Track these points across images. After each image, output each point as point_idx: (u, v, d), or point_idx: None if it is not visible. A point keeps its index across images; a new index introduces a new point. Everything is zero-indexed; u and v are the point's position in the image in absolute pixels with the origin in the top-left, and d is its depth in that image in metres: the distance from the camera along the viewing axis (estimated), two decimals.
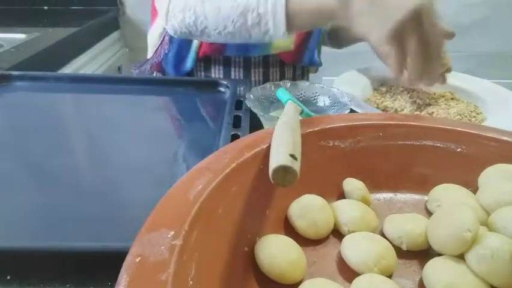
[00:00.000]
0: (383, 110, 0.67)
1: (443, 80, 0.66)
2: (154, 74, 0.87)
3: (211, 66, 0.82)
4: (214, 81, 0.72)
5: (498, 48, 1.69)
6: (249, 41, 0.65)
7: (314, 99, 0.61)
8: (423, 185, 0.40)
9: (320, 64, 0.92)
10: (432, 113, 0.65)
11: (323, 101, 0.61)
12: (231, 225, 0.31)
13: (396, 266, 0.32)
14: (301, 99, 0.61)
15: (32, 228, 0.38)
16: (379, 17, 0.51)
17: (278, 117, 0.39)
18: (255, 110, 0.54)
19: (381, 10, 0.51)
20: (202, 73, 0.83)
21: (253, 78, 0.83)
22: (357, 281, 0.29)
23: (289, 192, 0.35)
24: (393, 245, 0.33)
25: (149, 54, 0.86)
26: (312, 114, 0.51)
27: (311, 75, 0.97)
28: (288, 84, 0.61)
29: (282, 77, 0.85)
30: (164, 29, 0.79)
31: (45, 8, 1.60)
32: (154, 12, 0.82)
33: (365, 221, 0.35)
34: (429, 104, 0.68)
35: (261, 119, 0.55)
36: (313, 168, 0.37)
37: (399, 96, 0.70)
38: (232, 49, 0.77)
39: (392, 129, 0.41)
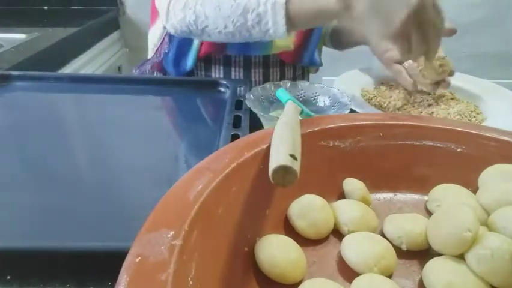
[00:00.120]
0: (375, 106, 0.68)
1: (446, 86, 0.65)
2: (155, 74, 0.87)
3: (211, 66, 0.82)
4: (214, 81, 0.72)
5: (498, 48, 1.69)
6: (249, 41, 0.65)
7: (314, 99, 0.61)
8: (423, 185, 0.40)
9: (321, 64, 0.92)
10: (432, 113, 0.65)
11: (322, 101, 0.61)
12: (231, 225, 0.31)
13: (396, 266, 0.32)
14: (301, 99, 0.61)
15: (32, 228, 0.38)
16: (381, 17, 0.51)
17: (278, 117, 0.39)
18: (255, 110, 0.54)
19: (383, 10, 0.51)
20: (202, 73, 0.83)
21: (253, 78, 0.83)
22: (357, 281, 0.29)
23: (289, 192, 0.35)
24: (393, 245, 0.33)
25: (150, 54, 0.86)
26: (312, 114, 0.51)
27: (311, 75, 0.97)
28: (288, 84, 0.61)
29: (282, 77, 0.85)
30: (165, 28, 0.79)
31: (45, 8, 1.60)
32: (154, 12, 0.82)
33: (365, 221, 0.35)
34: (430, 104, 0.68)
35: (261, 119, 0.55)
36: (313, 168, 0.37)
37: (394, 94, 0.70)
38: (233, 48, 0.77)
39: (392, 129, 0.41)
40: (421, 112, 0.66)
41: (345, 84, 0.70)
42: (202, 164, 0.32)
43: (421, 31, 0.51)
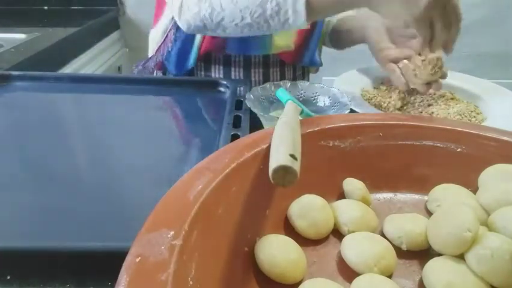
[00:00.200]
0: (375, 106, 0.68)
1: (438, 87, 0.65)
2: (155, 73, 0.87)
3: (211, 66, 0.82)
4: (214, 81, 0.72)
5: (498, 48, 1.69)
6: (266, 33, 0.64)
7: (314, 99, 0.61)
8: (423, 185, 0.40)
9: (321, 64, 0.92)
10: (432, 113, 0.65)
11: (322, 101, 0.61)
12: (231, 225, 0.31)
13: (396, 266, 0.32)
14: (301, 99, 0.61)
15: (32, 228, 0.38)
16: (405, 2, 0.51)
17: (278, 117, 0.39)
18: (255, 110, 0.54)
19: None
20: (202, 73, 0.83)
21: (253, 79, 0.83)
22: (357, 281, 0.29)
23: (289, 192, 0.35)
24: (393, 245, 0.33)
25: (151, 52, 0.86)
26: (312, 114, 0.51)
27: (311, 75, 0.97)
28: (288, 84, 0.61)
29: (282, 77, 0.85)
30: (168, 26, 0.78)
31: (45, 8, 1.60)
32: (158, 9, 0.82)
33: (365, 221, 0.35)
34: (430, 104, 0.68)
35: (261, 119, 0.55)
36: (313, 168, 0.37)
37: (394, 94, 0.70)
38: (233, 47, 0.77)
39: (392, 129, 0.41)
40: (421, 112, 0.66)
41: (345, 84, 0.70)
42: (202, 164, 0.32)
43: (444, 18, 0.50)
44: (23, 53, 1.02)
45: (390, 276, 0.31)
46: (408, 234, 0.34)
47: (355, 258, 0.31)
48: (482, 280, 0.28)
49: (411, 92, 0.71)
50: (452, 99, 0.71)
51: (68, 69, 1.19)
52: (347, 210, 0.36)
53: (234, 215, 0.31)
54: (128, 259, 0.23)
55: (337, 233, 0.36)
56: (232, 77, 0.82)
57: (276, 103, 0.59)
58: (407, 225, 0.34)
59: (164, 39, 0.81)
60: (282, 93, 0.52)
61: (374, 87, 0.76)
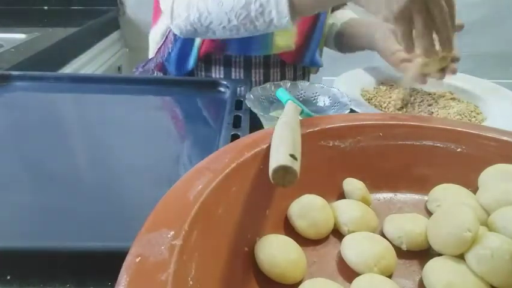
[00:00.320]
0: (375, 106, 0.68)
1: (453, 70, 0.64)
2: (155, 74, 0.87)
3: (212, 66, 0.82)
4: (214, 81, 0.72)
5: (498, 48, 1.69)
6: (254, 34, 0.65)
7: (314, 99, 0.61)
8: (423, 185, 0.40)
9: (321, 64, 0.91)
10: (432, 113, 0.65)
11: (322, 101, 0.61)
12: (231, 225, 0.31)
13: (396, 266, 0.32)
14: (301, 99, 0.61)
15: (32, 228, 0.38)
16: None
17: (278, 117, 0.39)
18: (255, 110, 0.54)
19: None
20: (203, 73, 0.83)
21: (253, 79, 0.83)
22: (357, 281, 0.29)
23: (289, 192, 0.35)
24: (393, 245, 0.33)
25: (151, 53, 0.86)
26: (312, 114, 0.51)
27: (311, 76, 0.97)
28: (288, 84, 0.61)
29: (282, 78, 0.85)
30: (167, 27, 0.78)
31: (45, 8, 1.60)
32: (156, 10, 0.82)
33: (365, 221, 0.35)
34: (430, 104, 0.68)
35: (261, 119, 0.55)
36: (313, 168, 0.37)
37: (394, 94, 0.70)
38: (234, 48, 0.77)
39: (392, 129, 0.41)
40: (421, 112, 0.66)
41: (345, 84, 0.70)
42: (202, 164, 0.32)
43: (428, 15, 0.50)
44: (23, 53, 1.02)
45: (390, 276, 0.31)
46: (408, 234, 0.34)
47: (355, 258, 0.31)
48: (482, 280, 0.28)
49: (411, 91, 0.71)
50: (452, 99, 0.71)
51: (68, 69, 1.19)
52: (347, 210, 0.36)
53: (234, 215, 0.31)
54: (128, 259, 0.23)
55: (337, 233, 0.36)
56: (233, 77, 0.82)
57: (276, 103, 0.59)
58: (407, 225, 0.34)
59: (164, 41, 0.81)
60: (282, 93, 0.52)
61: (374, 87, 0.76)
